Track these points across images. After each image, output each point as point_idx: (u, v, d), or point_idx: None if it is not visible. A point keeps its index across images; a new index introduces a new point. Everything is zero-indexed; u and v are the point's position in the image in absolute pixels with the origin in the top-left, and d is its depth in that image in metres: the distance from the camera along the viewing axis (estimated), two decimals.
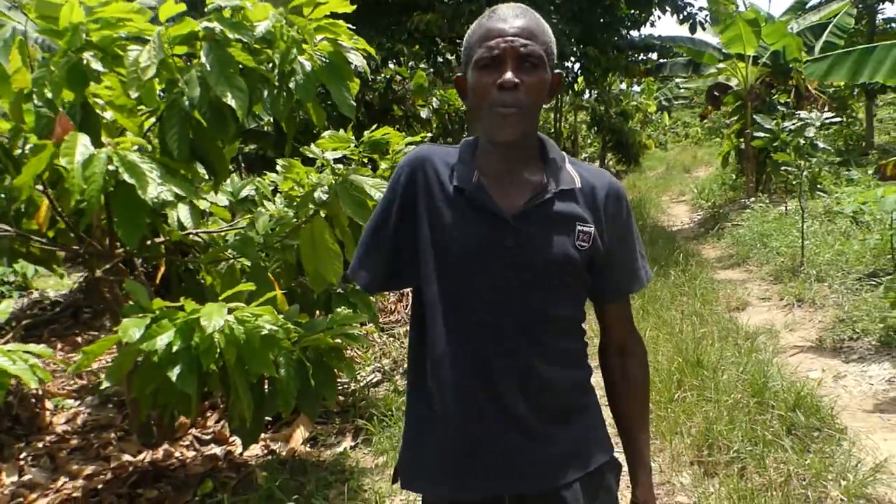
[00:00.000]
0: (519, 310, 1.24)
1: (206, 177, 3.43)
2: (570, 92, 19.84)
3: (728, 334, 4.39)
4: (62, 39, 2.78)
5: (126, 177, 2.57)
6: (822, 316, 5.04)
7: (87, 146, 2.64)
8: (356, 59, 3.32)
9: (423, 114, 14.33)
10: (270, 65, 3.21)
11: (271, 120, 6.40)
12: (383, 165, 4.06)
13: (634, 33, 11.11)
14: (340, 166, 4.11)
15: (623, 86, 24.02)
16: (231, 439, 3.90)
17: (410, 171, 1.32)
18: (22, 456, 3.92)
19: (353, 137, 3.84)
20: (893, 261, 5.34)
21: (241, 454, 3.71)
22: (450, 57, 10.31)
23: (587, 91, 21.00)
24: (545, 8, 7.77)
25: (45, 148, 2.69)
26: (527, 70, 1.19)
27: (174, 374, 2.39)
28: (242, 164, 10.28)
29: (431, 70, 10.48)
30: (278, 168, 4.26)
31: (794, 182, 6.49)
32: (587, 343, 1.37)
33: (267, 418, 3.74)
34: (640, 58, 10.76)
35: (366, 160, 4.12)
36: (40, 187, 3.24)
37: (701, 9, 9.61)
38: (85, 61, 2.82)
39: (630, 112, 22.79)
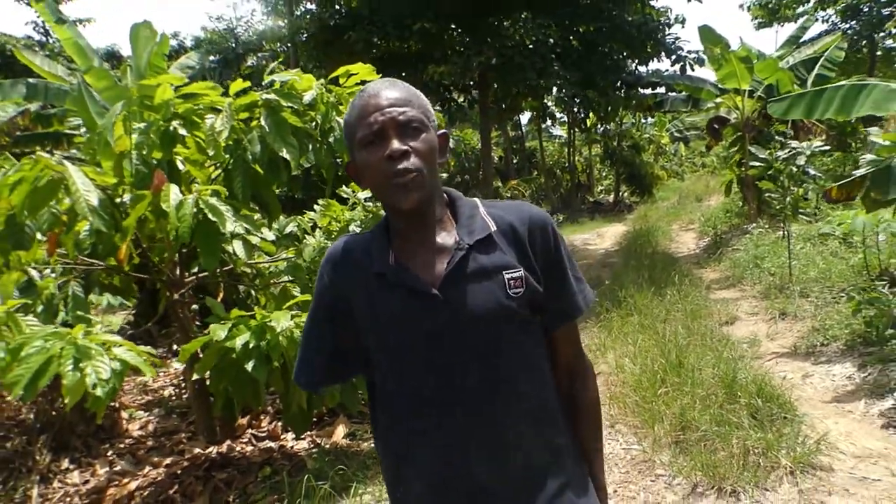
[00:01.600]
0: (475, 379, 1.19)
1: (261, 216, 4.20)
2: (582, 128, 20.69)
3: (711, 342, 5.00)
4: (158, 112, 3.57)
5: (210, 215, 3.31)
6: (800, 326, 5.63)
7: (178, 193, 3.41)
8: None
9: None
10: (314, 124, 3.99)
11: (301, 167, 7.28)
12: None
13: (642, 68, 11.91)
14: (370, 204, 4.89)
15: (634, 119, 24.84)
16: (283, 436, 4.58)
17: (331, 270, 1.31)
18: (109, 454, 4.66)
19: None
20: (868, 275, 5.91)
21: (292, 447, 4.39)
22: (462, 102, 11.13)
23: (599, 125, 21.79)
24: (546, 56, 8.61)
25: (144, 197, 3.46)
26: (411, 135, 1.19)
27: (250, 365, 3.10)
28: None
29: (446, 116, 11.35)
30: (317, 207, 5.05)
31: (777, 207, 7.10)
32: (557, 390, 1.34)
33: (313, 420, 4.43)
34: (642, 93, 11.47)
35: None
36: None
37: (690, 52, 10.37)
38: (172, 128, 3.61)
39: (642, 144, 23.50)
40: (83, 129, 6.22)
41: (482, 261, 1.22)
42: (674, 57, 10.11)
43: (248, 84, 3.72)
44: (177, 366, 6.61)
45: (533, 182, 22.42)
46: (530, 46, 8.43)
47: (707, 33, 10.10)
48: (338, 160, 4.36)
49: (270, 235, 5.00)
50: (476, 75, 9.24)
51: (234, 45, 14.06)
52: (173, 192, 3.37)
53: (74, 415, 5.08)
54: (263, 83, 3.92)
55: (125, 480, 4.18)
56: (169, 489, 4.00)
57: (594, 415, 1.40)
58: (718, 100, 11.41)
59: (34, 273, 4.15)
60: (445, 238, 1.25)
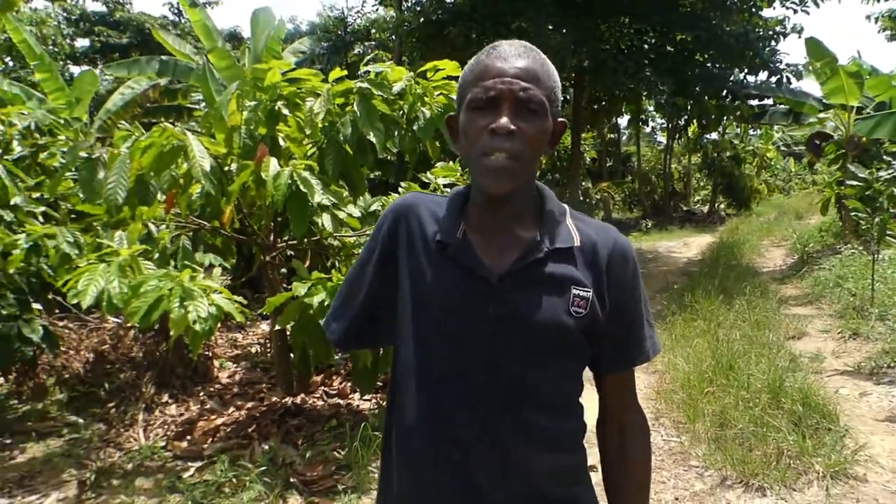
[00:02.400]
0: (501, 383, 1.10)
1: (348, 193, 4.65)
2: (681, 135, 20.30)
3: (769, 352, 5.05)
4: (266, 93, 4.07)
5: (301, 187, 3.77)
6: (869, 347, 5.55)
7: (276, 166, 3.88)
8: None
9: None
10: (401, 112, 4.39)
11: (395, 152, 7.76)
12: None
13: (750, 78, 11.64)
14: (448, 190, 5.26)
15: (739, 130, 24.03)
16: (351, 396, 5.05)
17: (393, 221, 1.22)
18: (201, 394, 5.29)
19: (459, 168, 4.95)
20: None
21: (357, 406, 4.84)
22: None
23: (700, 134, 21.28)
24: (640, 62, 8.66)
25: (248, 166, 3.96)
26: (525, 116, 1.07)
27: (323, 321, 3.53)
28: (368, 187, 11.87)
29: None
30: (400, 189, 5.47)
31: (864, 227, 6.93)
32: (584, 424, 1.22)
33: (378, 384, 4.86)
34: (737, 104, 11.22)
35: (468, 185, 5.21)
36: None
37: (789, 65, 10.06)
38: (277, 108, 4.10)
39: (744, 157, 22.72)
40: (203, 104, 6.89)
41: (554, 269, 1.12)
42: (770, 69, 9.87)
43: (345, 73, 4.16)
44: (264, 327, 7.26)
45: (625, 186, 22.17)
46: (624, 51, 8.51)
47: (813, 46, 9.80)
48: (422, 147, 4.74)
49: (356, 211, 5.46)
50: (572, 76, 9.41)
51: (343, 32, 14.81)
52: (273, 164, 3.86)
53: (175, 357, 5.77)
54: (359, 73, 4.34)
55: (213, 416, 4.77)
56: (248, 428, 4.53)
57: (644, 476, 1.25)
58: (822, 115, 11.02)
59: (152, 227, 4.80)
60: (524, 232, 1.15)
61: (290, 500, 3.60)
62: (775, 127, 22.23)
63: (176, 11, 22.55)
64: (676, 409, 4.41)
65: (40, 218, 5.40)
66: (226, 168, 4.32)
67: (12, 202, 5.29)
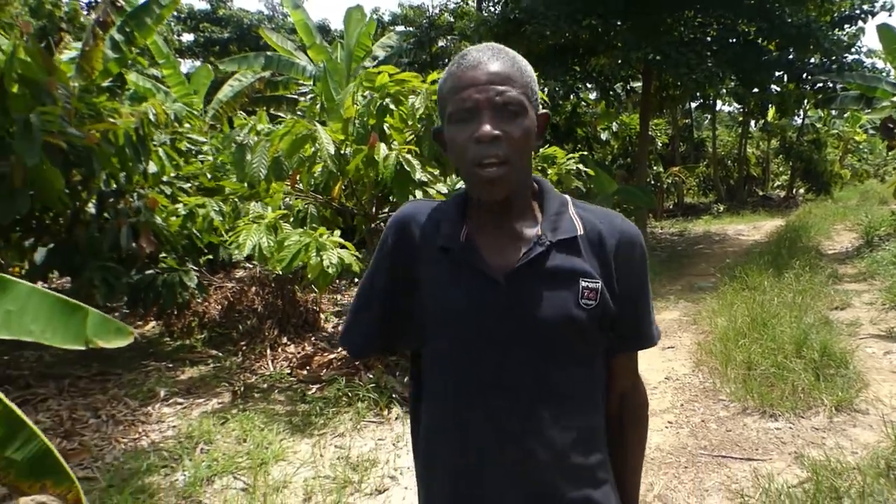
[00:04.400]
0: (519, 383, 1.11)
1: (439, 173, 5.61)
2: (758, 120, 20.31)
3: (801, 314, 5.71)
4: (376, 91, 5.07)
5: (405, 166, 4.75)
6: None
7: (385, 150, 4.88)
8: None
9: (604, 136, 16.07)
10: None
11: None
12: (550, 171, 6.00)
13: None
14: None
15: (822, 114, 23.60)
16: None
17: (396, 234, 1.23)
18: (312, 339, 6.42)
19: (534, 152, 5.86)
20: None
21: None
22: (620, 92, 11.95)
23: (778, 118, 21.16)
24: (702, 53, 9.22)
25: (362, 150, 4.98)
26: (507, 119, 1.07)
27: None
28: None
29: (604, 102, 12.21)
30: None
31: None
32: (604, 420, 1.22)
33: None
34: (802, 90, 11.40)
35: (540, 168, 6.09)
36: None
37: (849, 54, 10.21)
38: (385, 103, 5.09)
39: (824, 140, 22.38)
40: (309, 96, 7.98)
41: (560, 262, 1.12)
42: (833, 58, 10.13)
43: (438, 75, 5.11)
44: None
45: (697, 170, 22.30)
46: (688, 43, 9.08)
47: (885, 32, 10.03)
48: None
49: (444, 189, 6.44)
50: (640, 67, 10.03)
51: (427, 27, 15.80)
52: (383, 148, 4.86)
53: (290, 308, 6.96)
54: None
55: (325, 353, 5.88)
56: (355, 361, 5.60)
57: (640, 444, 1.31)
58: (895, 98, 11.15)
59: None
60: (526, 228, 1.16)
61: (394, 409, 4.63)
62: (867, 110, 21.72)
63: (270, 7, 24.21)
64: (713, 358, 5.18)
65: (190, 192, 6.68)
66: (342, 151, 5.36)
67: (167, 179, 6.58)
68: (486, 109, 1.07)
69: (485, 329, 1.11)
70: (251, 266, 10.13)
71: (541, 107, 1.20)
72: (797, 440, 3.84)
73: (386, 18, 26.07)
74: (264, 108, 13.57)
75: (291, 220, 5.31)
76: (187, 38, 22.57)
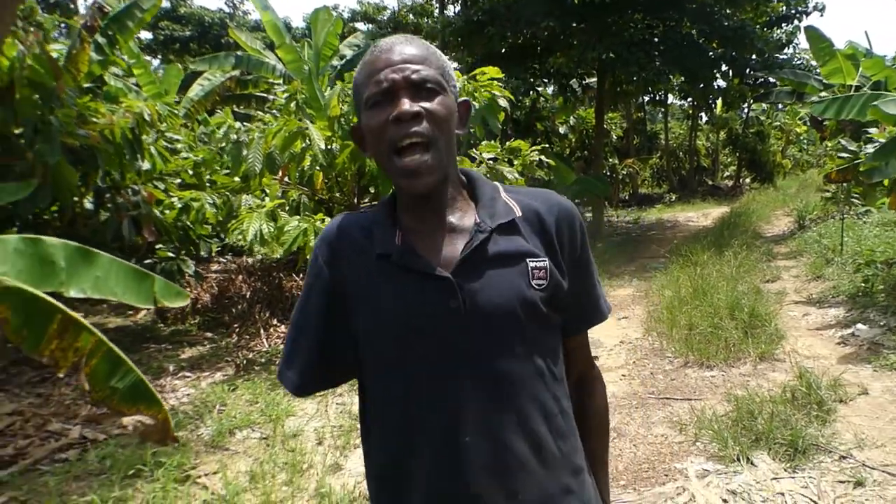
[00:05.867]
0: (483, 379, 1.04)
1: None
2: (709, 112, 21.47)
3: (739, 286, 6.52)
4: None
5: None
6: (824, 285, 6.98)
7: None
8: (503, 102, 5.97)
9: (562, 130, 16.90)
10: None
11: None
12: (516, 163, 6.68)
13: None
14: (492, 162, 6.82)
15: (765, 107, 24.95)
16: None
17: (327, 253, 1.14)
18: None
19: (500, 145, 6.50)
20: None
21: None
22: (577, 88, 12.76)
23: (725, 111, 22.35)
24: (650, 53, 10.06)
25: (349, 146, 5.57)
26: (425, 96, 1.03)
27: None
28: None
29: (563, 100, 12.99)
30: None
31: (832, 193, 8.26)
32: (570, 401, 1.17)
33: None
34: (740, 86, 12.43)
35: (507, 159, 6.77)
36: (318, 167, 6.16)
37: (778, 56, 11.26)
38: None
39: (767, 133, 23.71)
40: (284, 95, 8.50)
41: (504, 246, 1.08)
42: (765, 57, 11.14)
43: None
44: None
45: (650, 162, 23.38)
46: (637, 43, 9.90)
47: (812, 34, 11.00)
48: (471, 130, 6.30)
49: None
50: (595, 65, 10.83)
51: (393, 27, 16.34)
52: None
53: (277, 292, 7.51)
54: None
55: None
56: None
57: (604, 429, 1.29)
58: (823, 94, 12.16)
59: (268, 191, 6.48)
60: (462, 219, 1.11)
61: None
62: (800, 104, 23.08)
63: (231, 5, 24.41)
64: (661, 324, 5.94)
65: (172, 187, 7.15)
66: (329, 147, 5.95)
67: (157, 174, 7.06)
68: (403, 89, 1.03)
69: (439, 328, 1.04)
70: (224, 260, 10.64)
71: (459, 96, 1.14)
72: (727, 384, 4.61)
73: (345, 15, 26.50)
74: (231, 106, 13.96)
75: (287, 208, 5.86)
76: (145, 35, 22.63)
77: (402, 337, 1.07)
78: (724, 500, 3.10)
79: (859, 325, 5.40)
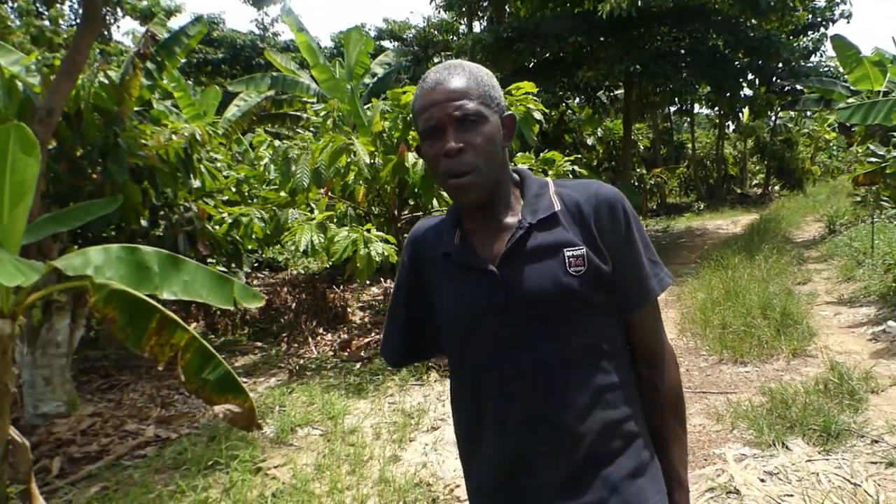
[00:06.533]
0: (533, 360, 1.18)
1: None
2: (736, 121, 21.55)
3: (772, 288, 6.69)
4: (402, 109, 6.00)
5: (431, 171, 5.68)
6: (855, 286, 7.11)
7: (413, 157, 5.80)
8: (537, 115, 6.25)
9: (589, 141, 17.13)
10: None
11: None
12: (550, 172, 6.95)
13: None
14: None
15: (793, 115, 24.89)
16: None
17: (412, 250, 1.36)
18: (343, 329, 7.31)
19: (534, 156, 6.79)
20: None
21: None
22: (605, 100, 12.99)
23: (752, 120, 22.39)
24: (677, 65, 10.29)
25: (392, 160, 5.90)
26: (468, 129, 1.17)
27: None
28: None
29: (591, 110, 13.22)
30: None
31: (862, 196, 8.38)
32: (632, 374, 1.28)
33: None
34: (777, 91, 12.56)
35: (542, 170, 7.04)
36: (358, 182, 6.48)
37: (805, 64, 11.37)
38: (409, 118, 6.02)
39: (795, 140, 23.65)
40: (322, 113, 8.86)
41: (543, 238, 1.19)
42: (791, 65, 11.29)
43: None
44: (374, 290, 9.28)
45: (678, 171, 23.45)
46: (664, 55, 10.14)
47: (838, 42, 11.13)
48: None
49: None
50: (622, 78, 11.08)
51: (424, 45, 16.79)
52: (411, 156, 5.79)
53: (322, 303, 7.86)
54: None
55: (361, 338, 6.77)
56: None
57: (675, 402, 1.32)
58: (851, 100, 12.23)
59: (313, 205, 6.83)
60: (510, 217, 1.24)
61: (432, 374, 5.53)
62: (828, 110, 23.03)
63: (261, 27, 25.16)
64: (695, 325, 6.14)
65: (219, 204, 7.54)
66: (374, 161, 6.29)
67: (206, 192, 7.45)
68: (449, 125, 1.16)
69: (487, 316, 1.19)
70: (262, 276, 11.05)
71: (506, 109, 1.27)
72: (761, 378, 4.80)
73: (372, 33, 27.09)
74: (265, 125, 14.47)
75: (335, 220, 6.20)
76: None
77: (461, 336, 1.25)
78: (762, 480, 3.31)
79: (890, 322, 5.54)
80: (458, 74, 1.19)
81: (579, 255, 1.18)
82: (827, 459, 3.43)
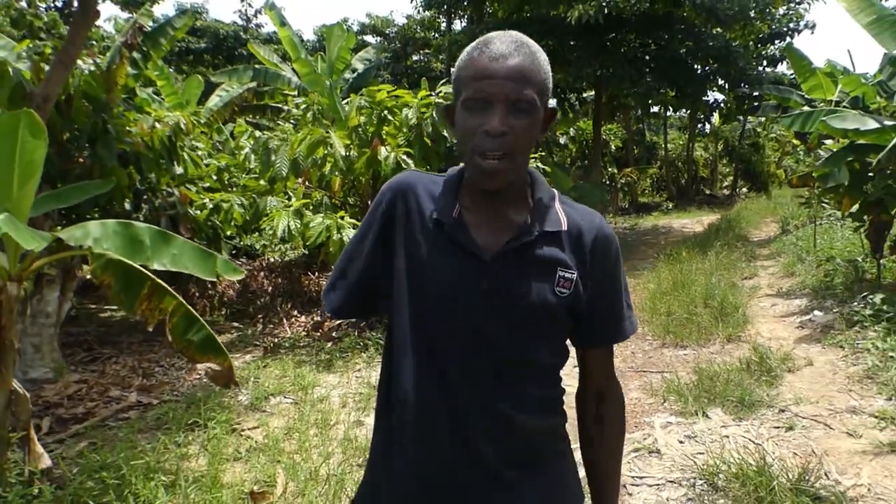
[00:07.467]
0: (492, 354, 1.18)
1: (427, 170, 6.97)
2: (707, 124, 22.25)
3: (715, 281, 7.22)
4: (377, 105, 6.40)
5: (402, 164, 6.08)
6: (793, 281, 7.69)
7: (385, 151, 6.20)
8: None
9: (562, 140, 17.65)
10: None
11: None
12: None
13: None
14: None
15: (761, 120, 25.68)
16: None
17: (392, 197, 1.26)
18: (317, 312, 7.69)
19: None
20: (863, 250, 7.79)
21: None
22: (574, 102, 13.49)
23: (722, 124, 23.11)
24: (641, 70, 10.80)
25: (366, 152, 6.30)
26: (516, 115, 1.11)
27: None
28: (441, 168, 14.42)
29: (560, 111, 13.69)
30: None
31: (806, 197, 8.97)
32: (564, 390, 1.30)
33: None
34: (727, 101, 13.22)
35: None
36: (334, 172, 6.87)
37: (761, 73, 11.99)
38: (383, 114, 6.43)
39: (762, 144, 24.45)
40: (302, 106, 9.21)
41: (543, 251, 1.18)
42: (748, 74, 11.94)
43: (427, 91, 6.47)
44: None
45: (650, 171, 24.12)
46: (630, 61, 10.65)
47: (792, 54, 11.75)
48: None
49: None
50: (592, 80, 11.59)
51: (404, 43, 17.14)
52: (383, 150, 6.19)
53: (297, 288, 8.23)
54: (436, 90, 6.64)
55: (334, 320, 7.16)
56: (360, 324, 6.90)
57: (619, 442, 1.35)
58: (805, 108, 12.86)
59: (290, 193, 7.19)
60: (515, 215, 1.21)
61: None
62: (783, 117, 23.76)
63: (244, 18, 25.31)
64: (644, 312, 6.63)
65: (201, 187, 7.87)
66: (348, 153, 6.68)
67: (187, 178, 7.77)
68: (500, 104, 1.09)
69: (463, 301, 1.16)
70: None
71: (550, 101, 1.23)
72: (697, 360, 5.29)
73: (355, 28, 27.36)
74: (245, 116, 14.72)
75: (311, 208, 6.58)
76: None
77: (432, 299, 1.18)
78: (681, 442, 3.79)
79: (816, 312, 6.09)
80: (524, 54, 1.12)
81: (570, 279, 1.19)
82: (738, 425, 3.92)
